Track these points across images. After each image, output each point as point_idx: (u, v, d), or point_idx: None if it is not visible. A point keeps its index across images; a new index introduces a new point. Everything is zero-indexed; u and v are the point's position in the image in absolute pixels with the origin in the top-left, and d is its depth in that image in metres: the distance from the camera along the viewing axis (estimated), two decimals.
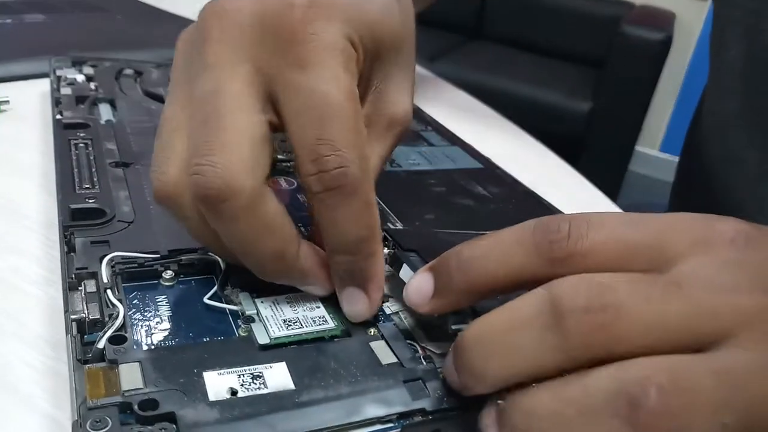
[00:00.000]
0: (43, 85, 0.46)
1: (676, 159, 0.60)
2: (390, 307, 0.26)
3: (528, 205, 0.37)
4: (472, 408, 0.21)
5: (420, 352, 0.24)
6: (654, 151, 2.36)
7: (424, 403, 0.21)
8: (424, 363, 0.23)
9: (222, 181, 0.21)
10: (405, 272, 0.26)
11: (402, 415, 0.20)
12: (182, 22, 0.66)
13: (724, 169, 0.43)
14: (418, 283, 0.23)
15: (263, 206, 0.22)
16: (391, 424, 0.20)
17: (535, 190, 0.38)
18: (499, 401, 0.20)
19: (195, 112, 0.23)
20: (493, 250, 0.21)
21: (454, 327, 0.23)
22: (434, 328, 0.24)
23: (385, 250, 0.27)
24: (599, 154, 1.88)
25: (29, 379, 0.23)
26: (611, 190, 0.45)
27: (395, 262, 0.27)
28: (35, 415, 0.22)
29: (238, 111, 0.22)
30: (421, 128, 0.46)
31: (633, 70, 1.83)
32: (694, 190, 0.50)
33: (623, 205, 0.43)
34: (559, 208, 0.36)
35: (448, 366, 0.21)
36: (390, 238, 0.28)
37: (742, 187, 0.41)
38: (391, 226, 0.30)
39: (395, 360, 0.23)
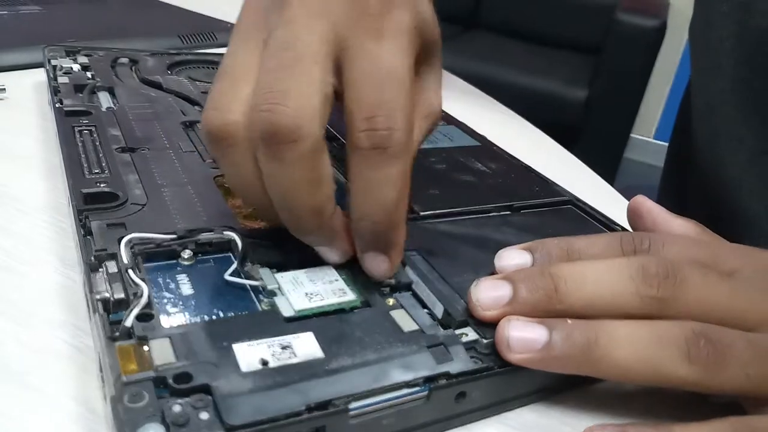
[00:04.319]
0: (38, 74, 0.46)
1: None
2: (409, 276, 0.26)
3: (527, 179, 0.37)
4: (494, 370, 0.22)
5: (438, 319, 0.24)
6: (648, 138, 2.37)
7: (449, 367, 0.22)
8: (443, 330, 0.24)
9: (292, 122, 0.21)
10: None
11: (428, 379, 0.21)
12: (175, 11, 0.66)
13: (717, 146, 0.44)
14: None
15: (321, 158, 0.23)
16: (418, 388, 0.21)
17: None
18: (569, 320, 0.23)
19: (268, 59, 0.23)
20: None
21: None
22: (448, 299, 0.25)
23: None
24: (595, 142, 1.87)
25: (21, 357, 0.23)
26: (606, 177, 0.46)
27: None
28: (27, 392, 0.22)
29: (313, 63, 0.22)
30: None
31: (628, 58, 1.83)
32: (685, 170, 0.51)
33: (618, 190, 0.43)
34: None
35: (485, 291, 0.24)
36: None
37: (738, 163, 0.42)
38: None
39: (416, 327, 0.23)
